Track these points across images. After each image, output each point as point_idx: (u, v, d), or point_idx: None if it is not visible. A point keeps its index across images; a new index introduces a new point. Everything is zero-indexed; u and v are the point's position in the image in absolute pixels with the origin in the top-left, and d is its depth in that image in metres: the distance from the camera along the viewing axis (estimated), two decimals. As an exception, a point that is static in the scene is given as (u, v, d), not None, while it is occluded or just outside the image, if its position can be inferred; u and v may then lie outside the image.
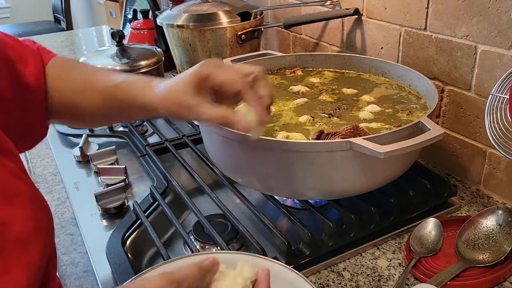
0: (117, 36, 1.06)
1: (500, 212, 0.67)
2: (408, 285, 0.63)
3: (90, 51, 1.44)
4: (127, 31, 1.60)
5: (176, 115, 0.58)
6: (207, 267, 0.43)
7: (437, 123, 0.88)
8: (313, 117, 0.77)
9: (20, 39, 0.65)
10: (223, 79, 0.57)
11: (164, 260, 0.64)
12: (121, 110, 0.63)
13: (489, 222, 0.67)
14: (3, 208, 0.45)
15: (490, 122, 0.63)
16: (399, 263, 0.67)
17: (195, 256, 0.53)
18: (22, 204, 0.47)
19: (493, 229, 0.66)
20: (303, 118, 0.77)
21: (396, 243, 0.71)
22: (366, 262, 0.68)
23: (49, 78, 0.63)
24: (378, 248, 0.70)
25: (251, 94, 0.57)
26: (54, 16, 4.14)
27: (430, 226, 0.70)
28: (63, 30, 3.72)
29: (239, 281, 0.44)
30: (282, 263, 0.52)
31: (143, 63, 1.05)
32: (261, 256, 0.54)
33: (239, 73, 0.57)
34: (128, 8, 1.84)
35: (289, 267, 0.51)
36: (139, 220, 0.74)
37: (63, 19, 3.87)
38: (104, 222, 0.79)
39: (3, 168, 0.47)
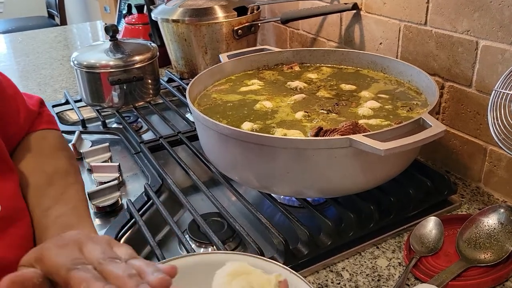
0: (111, 31, 1.04)
1: (502, 210, 0.66)
2: (408, 285, 0.62)
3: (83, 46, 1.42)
4: (122, 26, 1.57)
5: None
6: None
7: (437, 120, 0.86)
8: (308, 113, 0.76)
9: (33, 97, 0.66)
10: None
11: (159, 260, 0.62)
12: None
13: (491, 221, 0.66)
14: None
15: (493, 118, 0.61)
16: (399, 262, 0.66)
17: (190, 257, 0.52)
18: None
19: (495, 228, 0.65)
20: (299, 115, 0.75)
21: (396, 242, 0.70)
22: (365, 262, 0.66)
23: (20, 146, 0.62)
24: (377, 248, 0.69)
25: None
26: (48, 11, 4.10)
27: (430, 225, 0.69)
28: (57, 25, 3.68)
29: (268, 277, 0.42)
30: (280, 264, 0.51)
31: (137, 58, 1.02)
32: (257, 256, 0.53)
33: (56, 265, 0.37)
34: (123, 3, 1.81)
35: (287, 268, 0.50)
36: (133, 219, 0.72)
37: (57, 15, 3.83)
38: (97, 221, 0.77)
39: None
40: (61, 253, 0.39)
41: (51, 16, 4.06)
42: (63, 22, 3.75)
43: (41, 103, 0.67)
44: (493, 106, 0.61)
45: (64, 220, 0.56)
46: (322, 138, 0.64)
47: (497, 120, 0.60)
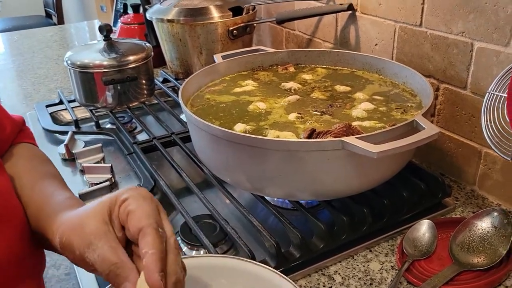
0: (105, 30, 1.03)
1: (496, 214, 0.65)
2: (401, 289, 0.61)
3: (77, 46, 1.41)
4: (118, 26, 1.56)
5: (67, 245, 0.45)
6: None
7: (432, 122, 0.85)
8: (301, 115, 0.75)
9: (13, 115, 0.67)
10: (134, 208, 0.44)
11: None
12: None
13: (484, 224, 0.65)
14: None
15: (487, 121, 0.60)
16: (391, 266, 0.65)
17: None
18: None
19: (488, 232, 0.65)
20: (292, 116, 0.75)
21: (389, 245, 0.69)
22: (358, 265, 0.66)
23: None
24: (370, 251, 0.68)
25: (146, 243, 0.41)
26: (46, 10, 4.09)
27: (423, 228, 0.68)
28: (54, 25, 3.68)
29: None
30: (270, 268, 0.50)
31: (131, 58, 1.02)
32: (248, 260, 0.52)
33: (153, 214, 0.44)
34: (119, 3, 1.80)
35: (277, 272, 0.49)
36: (124, 221, 0.71)
37: (54, 14, 3.82)
38: (89, 223, 0.77)
39: None
40: (146, 204, 0.44)
41: (48, 15, 4.05)
42: (61, 21, 3.75)
43: (24, 122, 0.70)
44: (487, 108, 0.60)
45: (72, 202, 0.54)
46: (314, 140, 0.64)
47: (491, 123, 0.60)
